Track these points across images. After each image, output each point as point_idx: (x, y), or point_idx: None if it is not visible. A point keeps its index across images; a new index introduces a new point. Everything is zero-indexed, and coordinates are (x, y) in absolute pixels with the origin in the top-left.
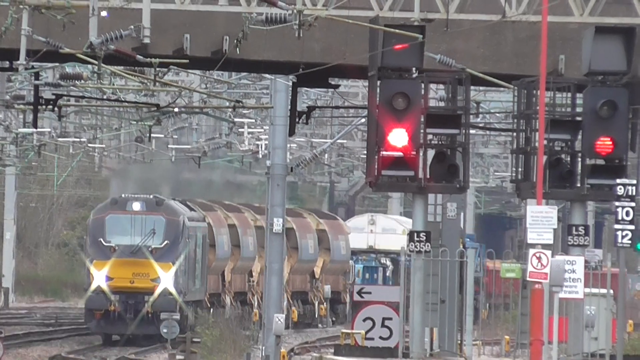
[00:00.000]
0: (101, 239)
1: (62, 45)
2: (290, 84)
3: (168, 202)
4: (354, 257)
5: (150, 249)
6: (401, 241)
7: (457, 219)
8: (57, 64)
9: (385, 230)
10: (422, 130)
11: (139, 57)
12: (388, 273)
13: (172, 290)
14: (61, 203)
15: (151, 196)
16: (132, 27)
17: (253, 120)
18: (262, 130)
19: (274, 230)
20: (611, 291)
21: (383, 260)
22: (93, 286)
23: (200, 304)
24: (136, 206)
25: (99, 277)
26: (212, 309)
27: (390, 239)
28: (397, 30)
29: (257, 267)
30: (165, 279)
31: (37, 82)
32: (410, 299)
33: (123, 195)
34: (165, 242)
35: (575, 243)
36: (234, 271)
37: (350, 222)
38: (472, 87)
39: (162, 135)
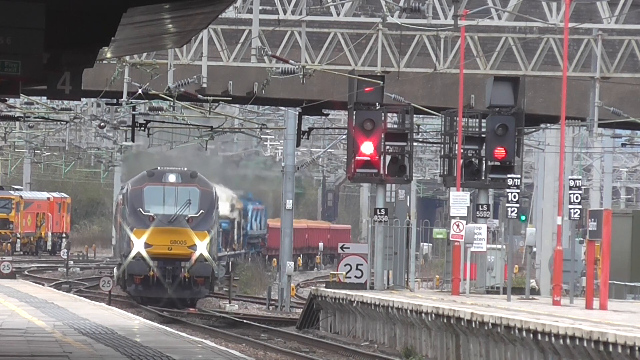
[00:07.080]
0: (140, 209)
1: (150, 88)
2: (297, 113)
3: (201, 175)
4: None
5: (186, 218)
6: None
7: (405, 201)
8: (146, 101)
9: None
10: (382, 143)
11: (199, 96)
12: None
13: (207, 256)
14: None
15: (185, 169)
16: (195, 76)
17: (273, 137)
18: (279, 142)
19: (286, 208)
20: (504, 246)
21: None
22: (133, 253)
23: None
24: (172, 178)
25: (139, 244)
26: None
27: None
28: (366, 79)
29: None
30: (201, 246)
31: (134, 112)
32: (373, 251)
33: (159, 168)
34: (201, 211)
35: (481, 216)
36: None
37: None
38: (414, 115)
39: (214, 146)
